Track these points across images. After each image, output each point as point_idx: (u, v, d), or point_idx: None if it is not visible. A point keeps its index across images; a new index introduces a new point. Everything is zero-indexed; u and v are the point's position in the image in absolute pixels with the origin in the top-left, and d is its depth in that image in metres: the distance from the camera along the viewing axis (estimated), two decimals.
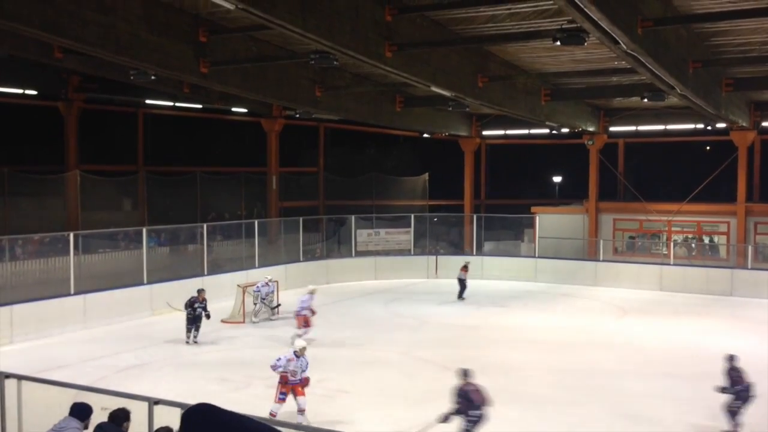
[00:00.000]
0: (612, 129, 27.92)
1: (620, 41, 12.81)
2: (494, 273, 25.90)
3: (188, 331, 16.09)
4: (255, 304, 18.60)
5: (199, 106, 27.15)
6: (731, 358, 10.60)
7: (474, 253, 27.76)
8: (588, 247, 27.64)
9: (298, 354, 10.64)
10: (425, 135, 31.74)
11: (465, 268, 22.95)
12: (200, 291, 16.38)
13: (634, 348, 16.36)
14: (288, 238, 25.34)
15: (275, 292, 19.23)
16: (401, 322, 18.63)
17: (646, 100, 18.90)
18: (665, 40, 14.41)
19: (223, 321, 18.13)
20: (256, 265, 22.55)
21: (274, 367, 10.68)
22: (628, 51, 13.50)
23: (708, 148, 30.72)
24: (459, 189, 30.86)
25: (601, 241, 27.17)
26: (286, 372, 10.59)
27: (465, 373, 9.49)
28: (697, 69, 16.50)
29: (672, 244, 26.48)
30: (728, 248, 26.27)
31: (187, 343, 15.97)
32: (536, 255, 26.86)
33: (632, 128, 27.88)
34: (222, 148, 29.83)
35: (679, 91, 17.12)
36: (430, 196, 33.61)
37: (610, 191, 30.01)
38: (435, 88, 18.23)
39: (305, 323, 16.38)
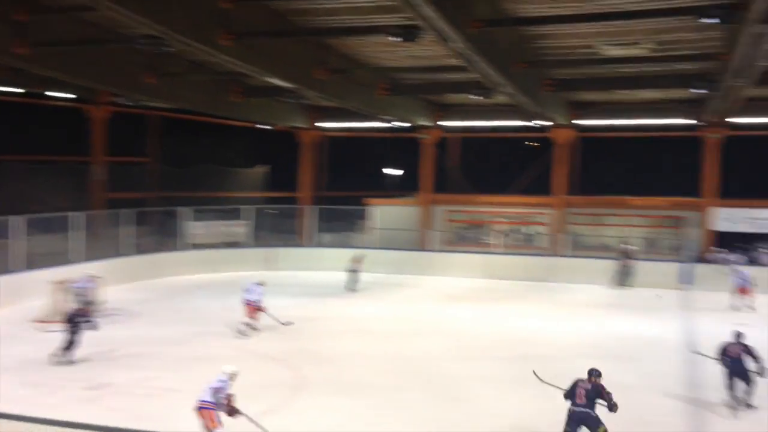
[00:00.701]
0: (446, 124, 29.03)
1: (453, 40, 13.34)
2: (331, 264, 26.12)
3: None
4: (74, 301, 17.24)
5: (21, 90, 24.99)
6: (738, 335, 11.65)
7: (310, 245, 27.88)
8: (421, 237, 28.62)
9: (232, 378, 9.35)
10: (263, 126, 31.33)
11: (357, 259, 23.01)
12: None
13: (460, 333, 17.13)
14: (115, 232, 24.03)
15: (96, 289, 18.02)
16: (234, 316, 18.25)
17: (475, 96, 19.82)
18: (494, 41, 15.19)
19: (36, 321, 16.74)
20: (78, 260, 21.16)
21: (219, 394, 9.12)
22: (460, 49, 14.10)
23: (534, 144, 32.74)
24: (299, 181, 30.86)
25: (433, 232, 28.31)
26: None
27: None
28: (523, 69, 17.56)
29: (498, 234, 28.12)
30: (547, 237, 28.26)
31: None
32: (372, 246, 27.43)
33: (466, 123, 29.14)
34: (45, 135, 27.66)
35: (506, 90, 18.13)
36: (271, 188, 33.27)
37: (446, 184, 31.22)
38: (273, 79, 18.04)
39: (255, 312, 16.30)
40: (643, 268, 24.60)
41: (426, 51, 17.94)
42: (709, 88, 17.95)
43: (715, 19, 11.26)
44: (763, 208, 25.16)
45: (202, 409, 9.03)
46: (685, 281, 23.89)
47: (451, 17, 12.28)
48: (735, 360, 11.47)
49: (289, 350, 14.73)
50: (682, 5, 13.13)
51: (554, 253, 26.78)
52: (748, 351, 11.46)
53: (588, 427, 8.93)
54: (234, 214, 27.84)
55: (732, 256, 24.44)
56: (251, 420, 9.25)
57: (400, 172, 36.95)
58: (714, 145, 25.56)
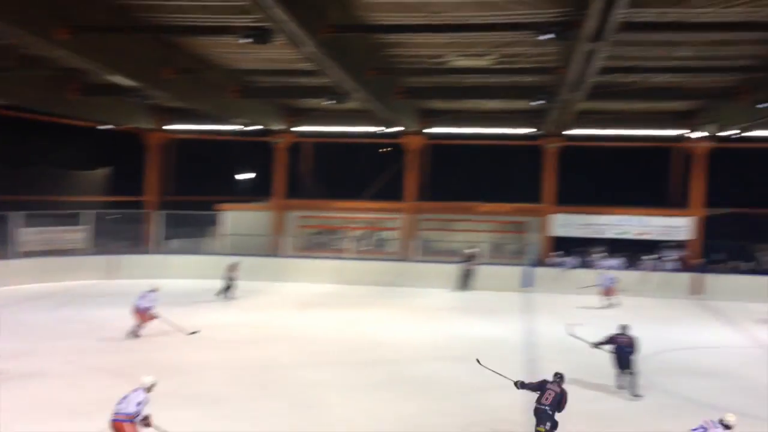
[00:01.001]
0: (299, 128, 28.85)
1: (305, 44, 13.24)
2: (180, 271, 25.16)
3: None
4: None
5: None
6: (624, 327, 13.39)
7: (156, 251, 26.72)
8: (274, 243, 28.24)
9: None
10: (105, 126, 29.65)
11: (232, 267, 22.16)
12: None
13: (312, 340, 16.99)
14: None
15: None
16: (70, 328, 17.01)
17: (328, 102, 19.84)
18: (347, 47, 15.25)
19: None
20: None
21: (140, 407, 8.83)
22: (313, 54, 14.02)
23: (387, 150, 33.24)
24: (145, 185, 29.46)
25: (286, 238, 28.04)
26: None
27: None
28: (375, 76, 17.77)
29: (351, 239, 28.31)
30: (398, 242, 28.78)
31: None
32: (223, 252, 26.73)
33: (319, 128, 29.08)
34: None
35: (358, 96, 18.27)
36: (113, 191, 31.52)
37: (299, 189, 31.00)
38: (116, 77, 17.12)
39: (147, 319, 15.95)
40: (488, 271, 25.63)
41: (278, 54, 17.73)
42: (548, 100, 19.04)
43: (551, 36, 11.89)
44: (596, 214, 27.02)
45: (123, 422, 8.72)
46: (527, 284, 25.24)
47: (303, 21, 12.19)
48: (621, 348, 13.11)
49: (130, 362, 13.95)
50: (523, 21, 13.81)
51: (405, 258, 27.32)
52: (633, 344, 13.12)
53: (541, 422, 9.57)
54: (72, 220, 26.08)
55: (569, 260, 26.04)
56: None
57: (252, 177, 36.32)
58: (552, 154, 27.15)
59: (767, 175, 31.74)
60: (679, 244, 26.93)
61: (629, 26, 12.49)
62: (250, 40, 12.96)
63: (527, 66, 18.04)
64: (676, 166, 28.95)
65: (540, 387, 9.92)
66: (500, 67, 18.20)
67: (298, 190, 31.01)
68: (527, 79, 19.55)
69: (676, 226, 26.44)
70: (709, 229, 26.77)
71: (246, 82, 21.67)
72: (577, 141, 27.47)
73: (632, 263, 26.23)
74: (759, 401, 12.89)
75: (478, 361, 11.38)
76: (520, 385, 10.16)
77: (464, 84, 21.31)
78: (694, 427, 9.04)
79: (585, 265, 26.18)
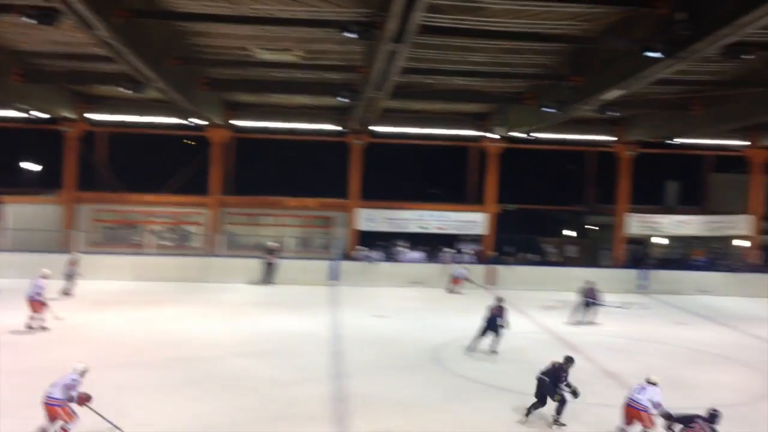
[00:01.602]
0: (93, 117, 26.97)
1: (96, 27, 12.36)
2: None
3: None
4: None
5: None
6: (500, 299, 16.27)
7: None
8: (64, 239, 26.22)
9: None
10: None
11: (73, 262, 20.39)
12: None
13: (107, 340, 16.00)
14: None
15: None
16: None
17: (126, 90, 18.69)
18: (145, 33, 14.46)
19: None
20: None
21: (71, 391, 9.45)
22: (105, 38, 13.13)
23: (191, 142, 32.06)
24: None
25: (78, 232, 26.12)
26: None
27: None
28: (177, 65, 17.02)
29: (151, 234, 27.02)
30: (202, 237, 27.93)
31: None
32: (5, 248, 24.38)
33: (116, 118, 27.35)
34: None
35: (158, 85, 17.40)
36: None
37: (93, 181, 29.03)
38: None
39: (41, 307, 16.20)
40: (296, 266, 25.63)
41: (68, 37, 16.41)
42: (352, 97, 19.33)
43: (354, 35, 12.04)
44: (399, 209, 27.95)
45: (54, 406, 9.28)
46: (334, 278, 25.57)
47: (94, 3, 11.35)
48: (492, 317, 15.96)
49: None
50: (327, 18, 13.89)
51: (210, 253, 26.58)
52: (502, 312, 16.05)
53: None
54: None
55: (374, 254, 26.74)
56: (100, 415, 9.60)
57: (39, 168, 33.46)
58: (358, 150, 27.68)
59: (551, 174, 34.76)
60: (475, 238, 28.63)
61: (428, 30, 12.98)
62: (33, 20, 11.86)
63: (333, 63, 18.20)
64: (473, 164, 30.74)
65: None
66: (306, 63, 18.20)
67: (92, 183, 29.03)
68: (333, 76, 19.72)
69: (473, 221, 28.06)
70: (501, 224, 28.71)
71: (31, 65, 19.87)
72: (382, 138, 28.23)
73: (433, 256, 27.48)
74: None
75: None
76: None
77: (270, 78, 21.06)
78: (635, 388, 10.85)
79: (389, 258, 27.04)
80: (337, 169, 29.16)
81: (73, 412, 9.41)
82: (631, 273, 26.80)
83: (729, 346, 17.83)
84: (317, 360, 14.91)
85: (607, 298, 20.66)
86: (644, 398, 10.55)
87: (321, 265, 26.09)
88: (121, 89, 18.88)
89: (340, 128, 27.20)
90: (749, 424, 11.80)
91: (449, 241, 28.59)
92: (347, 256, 27.01)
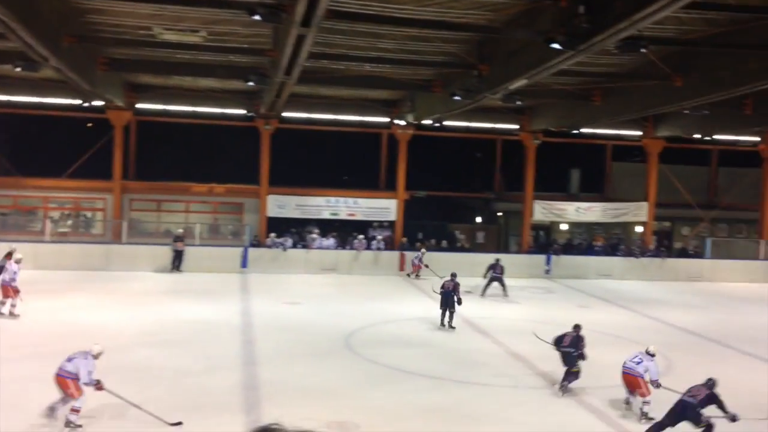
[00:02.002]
0: None
1: None
2: None
3: None
4: None
5: None
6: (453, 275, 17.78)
7: None
8: None
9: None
10: None
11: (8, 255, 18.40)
12: None
13: (7, 331, 15.19)
14: None
15: None
16: None
17: (18, 69, 17.68)
18: (37, 9, 13.69)
19: None
20: None
21: (86, 369, 9.79)
22: None
23: (89, 124, 30.74)
24: None
25: None
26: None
27: None
28: (73, 44, 16.22)
29: (48, 220, 25.82)
30: (105, 224, 26.92)
31: None
32: None
33: (8, 98, 25.85)
34: None
35: (52, 64, 16.53)
36: None
37: None
38: None
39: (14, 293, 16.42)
40: (205, 253, 25.10)
41: None
42: (261, 82, 18.97)
43: (260, 17, 11.77)
44: (311, 195, 27.74)
45: (67, 378, 9.71)
46: (244, 265, 25.20)
47: None
48: (447, 292, 17.39)
49: None
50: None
51: (112, 240, 25.65)
52: (456, 288, 17.39)
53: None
54: None
55: (285, 240, 26.47)
56: (117, 396, 10.05)
57: None
58: (268, 135, 27.25)
59: (461, 162, 35.31)
60: (387, 225, 28.79)
61: (335, 14, 12.82)
62: None
63: (240, 46, 17.78)
64: (385, 151, 30.85)
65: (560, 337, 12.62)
66: (212, 45, 17.70)
67: None
68: (240, 59, 19.29)
69: (384, 207, 28.18)
70: (411, 210, 28.97)
71: None
72: (292, 123, 27.90)
73: (345, 243, 27.46)
74: (454, 365, 14.22)
75: (535, 335, 14.15)
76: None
77: (174, 60, 20.39)
78: (631, 357, 11.58)
79: (301, 245, 26.85)
80: (247, 155, 28.66)
81: (82, 388, 9.78)
82: (538, 258, 27.60)
83: (628, 328, 18.63)
84: (228, 349, 14.65)
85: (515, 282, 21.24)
86: (640, 368, 11.34)
87: (231, 252, 25.65)
88: (13, 68, 17.84)
89: (249, 113, 26.69)
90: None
91: (361, 227, 28.65)
92: (258, 243, 26.65)
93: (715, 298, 24.13)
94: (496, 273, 22.34)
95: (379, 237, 27.62)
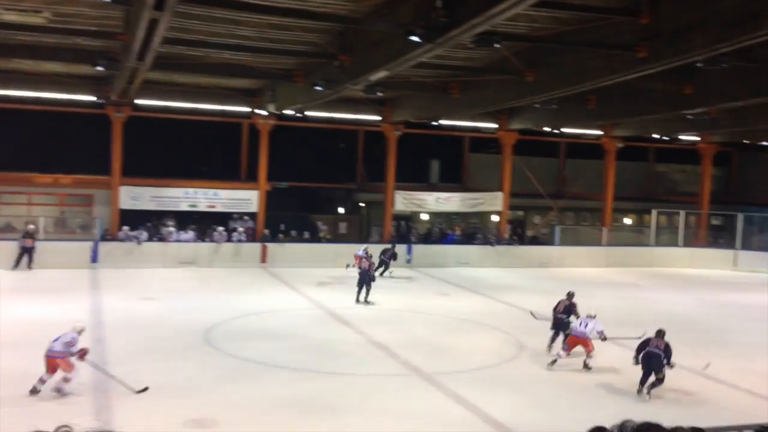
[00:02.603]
0: None
1: None
2: None
3: None
4: None
5: None
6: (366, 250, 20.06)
7: None
8: None
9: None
10: None
11: None
12: None
13: None
14: None
15: None
16: None
17: None
18: None
19: None
20: None
21: (71, 347, 11.00)
22: None
23: None
24: None
25: None
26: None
27: None
28: None
29: None
30: None
31: None
32: None
33: None
34: None
35: None
36: None
37: None
38: None
39: None
40: (52, 248, 23.55)
41: None
42: (111, 67, 18.00)
43: None
44: (167, 187, 26.69)
45: (56, 358, 10.82)
46: (95, 260, 23.89)
47: None
48: (364, 271, 19.60)
49: None
50: None
51: None
52: (371, 266, 20.06)
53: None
54: None
55: (140, 233, 25.33)
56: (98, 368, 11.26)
57: None
58: (120, 124, 25.90)
59: (324, 152, 35.25)
60: (248, 216, 28.24)
61: None
62: None
63: (87, 28, 16.74)
64: (246, 141, 30.22)
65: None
66: (56, 27, 16.55)
67: None
68: (88, 42, 18.19)
69: (245, 198, 27.62)
70: (274, 201, 28.60)
71: None
72: (146, 111, 26.71)
73: (205, 235, 26.70)
74: (317, 357, 14.17)
75: (532, 314, 16.33)
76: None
77: (15, 41, 18.92)
78: (578, 324, 13.74)
79: (157, 238, 25.81)
80: (98, 144, 27.11)
81: (72, 363, 10.95)
82: (400, 248, 28.07)
83: (485, 314, 19.37)
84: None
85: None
86: (587, 330, 13.59)
87: (80, 247, 24.24)
88: None
89: (98, 99, 25.25)
90: (502, 384, 12.89)
91: (222, 219, 27.93)
92: (110, 237, 25.32)
93: (564, 282, 25.46)
94: (385, 257, 24.45)
95: (241, 229, 27.07)
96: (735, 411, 11.28)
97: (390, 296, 21.15)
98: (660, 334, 12.41)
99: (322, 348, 14.99)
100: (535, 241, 32.11)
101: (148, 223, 26.45)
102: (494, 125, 30.42)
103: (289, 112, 25.62)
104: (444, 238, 30.11)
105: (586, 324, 13.71)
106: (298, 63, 20.10)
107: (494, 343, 16.15)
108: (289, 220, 29.73)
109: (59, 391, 10.97)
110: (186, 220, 27.39)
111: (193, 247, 25.92)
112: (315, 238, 28.87)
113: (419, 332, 16.81)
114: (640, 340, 12.66)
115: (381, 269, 23.75)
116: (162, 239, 25.78)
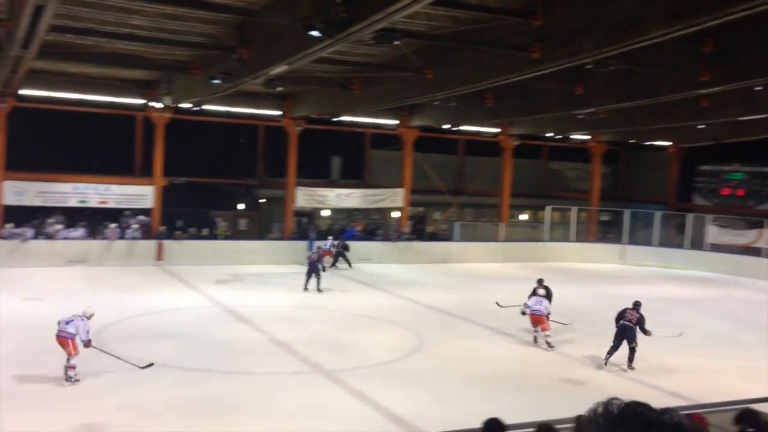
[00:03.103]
0: None
1: None
2: None
3: None
4: None
5: None
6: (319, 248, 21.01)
7: None
8: None
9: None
10: None
11: None
12: None
13: None
14: None
15: None
16: None
17: None
18: None
19: None
20: None
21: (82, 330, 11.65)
22: None
23: None
24: None
25: None
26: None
27: None
28: None
29: None
30: None
31: None
32: None
33: None
34: None
35: None
36: None
37: None
38: None
39: None
40: None
41: None
42: None
43: None
44: (55, 182, 25.37)
45: (67, 338, 11.51)
46: None
47: None
48: (313, 262, 21.06)
49: None
50: None
51: None
52: (320, 258, 21.82)
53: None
54: None
55: (24, 231, 24.01)
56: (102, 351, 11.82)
57: None
58: (3, 115, 24.42)
59: (222, 147, 34.56)
60: (142, 212, 27.27)
61: None
62: None
63: None
64: (140, 135, 29.17)
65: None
66: None
67: None
68: None
69: (140, 194, 26.64)
70: (170, 197, 27.75)
71: None
72: (31, 102, 25.29)
73: (95, 232, 25.59)
74: (215, 356, 13.85)
75: (497, 303, 16.97)
76: None
77: None
78: (533, 303, 14.99)
79: (44, 236, 24.54)
80: None
81: (78, 347, 11.55)
82: (301, 245, 27.88)
83: (385, 309, 19.50)
84: None
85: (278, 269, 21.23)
86: (542, 307, 14.83)
87: None
88: None
89: None
90: (403, 379, 12.99)
91: (114, 215, 26.84)
92: None
93: (463, 277, 26.14)
94: (338, 248, 26.25)
95: (135, 225, 26.12)
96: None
97: (291, 293, 20.96)
98: (636, 305, 13.87)
99: (221, 347, 14.68)
100: (435, 237, 32.61)
101: (34, 221, 25.09)
102: (395, 122, 30.66)
103: (186, 105, 24.91)
104: (343, 234, 30.12)
105: (541, 302, 15.10)
106: (195, 55, 19.56)
107: (395, 339, 16.27)
108: (188, 216, 28.96)
109: (70, 380, 11.56)
110: (76, 216, 26.16)
111: (82, 244, 24.80)
112: (214, 235, 28.24)
113: (320, 329, 16.73)
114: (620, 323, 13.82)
115: (337, 260, 26.12)
116: (49, 237, 24.52)
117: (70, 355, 11.56)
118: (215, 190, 34.58)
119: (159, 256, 25.41)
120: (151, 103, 25.83)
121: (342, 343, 15.42)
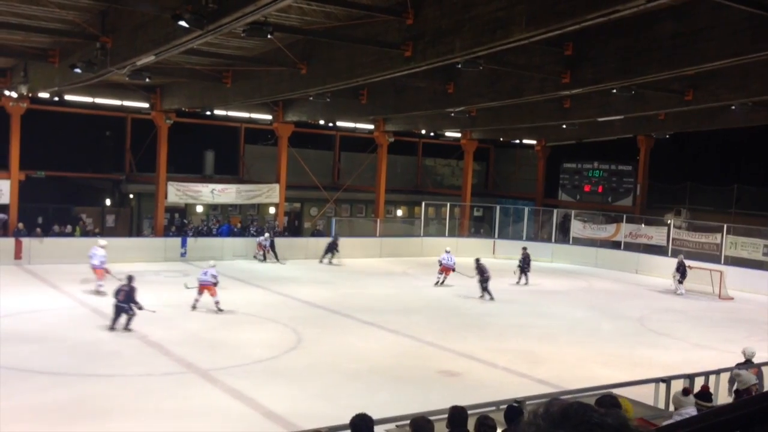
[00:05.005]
0: None
1: None
2: None
3: None
4: None
5: None
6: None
7: None
8: None
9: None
10: None
11: None
12: None
13: None
14: None
15: None
16: None
17: None
18: None
19: None
20: None
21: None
22: None
23: None
24: None
25: None
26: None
27: None
28: None
29: None
30: None
31: None
32: None
33: None
34: None
35: None
36: None
37: None
38: None
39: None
40: None
41: None
42: None
43: None
44: None
45: (96, 267, 17.03)
46: None
47: None
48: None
49: None
50: None
51: None
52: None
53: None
54: None
55: None
56: None
57: None
58: None
59: (86, 140, 32.84)
60: None
61: None
62: None
63: None
64: None
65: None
66: None
67: None
68: None
69: None
70: (30, 192, 26.10)
71: None
72: None
73: None
74: (82, 359, 13.18)
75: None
76: None
77: None
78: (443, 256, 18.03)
79: None
80: None
81: (102, 270, 14.57)
82: (174, 241, 27.02)
83: (261, 306, 19.25)
84: None
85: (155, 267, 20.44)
86: (451, 262, 18.88)
87: None
88: None
89: None
90: (281, 376, 12.90)
91: None
92: None
93: (340, 273, 26.25)
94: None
95: None
96: (494, 387, 12.22)
97: (161, 294, 20.25)
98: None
99: (88, 349, 13.99)
100: (315, 233, 32.53)
101: None
102: (270, 117, 30.30)
103: (44, 95, 23.46)
104: (218, 229, 29.50)
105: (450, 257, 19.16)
106: (54, 42, 18.47)
107: (272, 336, 16.13)
108: (50, 212, 27.34)
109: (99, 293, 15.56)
110: None
111: None
112: (79, 232, 26.81)
113: (194, 328, 16.31)
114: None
115: (329, 255, 27.70)
116: None
117: (99, 281, 13.23)
118: (79, 185, 32.84)
119: (17, 254, 23.84)
120: (6, 92, 24.16)
121: (217, 342, 15.10)
